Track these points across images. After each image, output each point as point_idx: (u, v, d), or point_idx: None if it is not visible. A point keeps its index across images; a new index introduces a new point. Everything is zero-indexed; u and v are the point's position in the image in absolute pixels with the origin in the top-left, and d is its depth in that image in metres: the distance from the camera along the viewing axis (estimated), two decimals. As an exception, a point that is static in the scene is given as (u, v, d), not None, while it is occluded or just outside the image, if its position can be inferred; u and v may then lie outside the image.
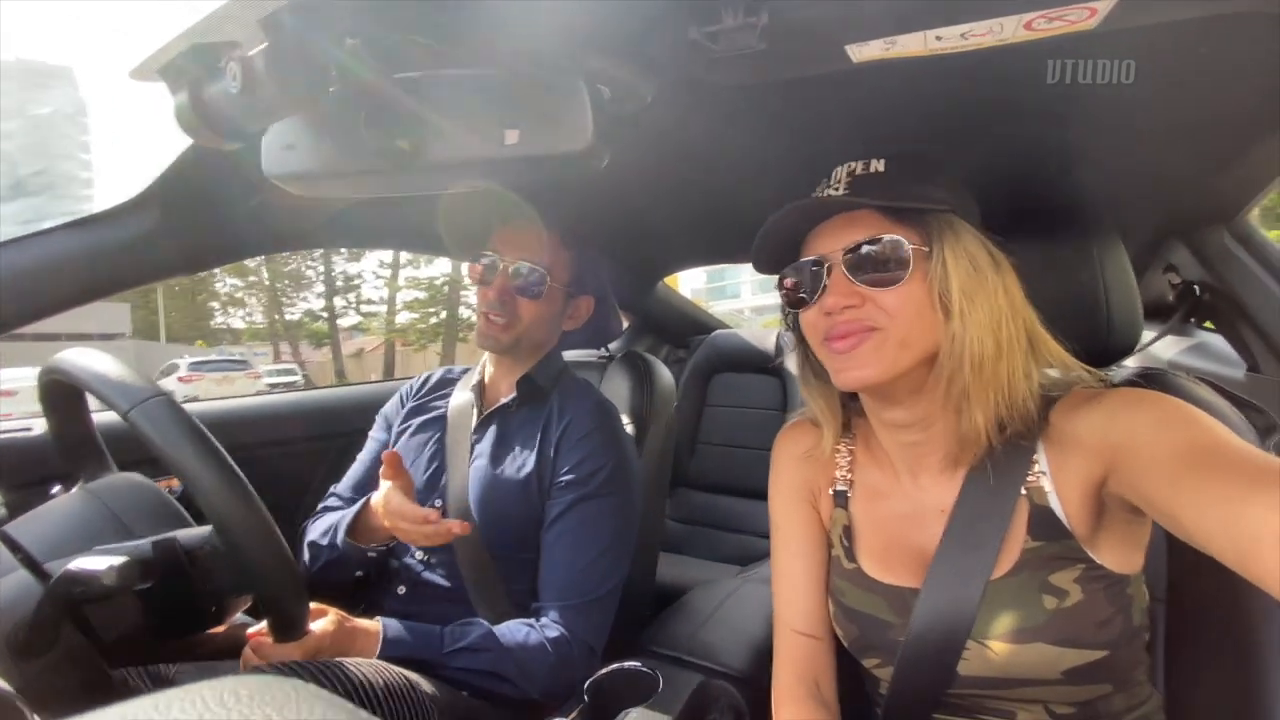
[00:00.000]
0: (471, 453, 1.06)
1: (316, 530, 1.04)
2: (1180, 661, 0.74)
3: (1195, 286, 1.15)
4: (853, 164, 0.67)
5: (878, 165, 0.66)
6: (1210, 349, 1.27)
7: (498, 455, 1.05)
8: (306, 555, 1.03)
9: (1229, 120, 0.76)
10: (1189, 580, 0.74)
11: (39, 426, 1.05)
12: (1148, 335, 1.00)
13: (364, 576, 1.07)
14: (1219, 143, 0.82)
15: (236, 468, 0.65)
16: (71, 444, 0.80)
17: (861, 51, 0.55)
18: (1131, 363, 0.88)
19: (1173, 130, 0.80)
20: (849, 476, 0.77)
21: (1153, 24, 0.51)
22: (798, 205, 0.66)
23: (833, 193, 0.67)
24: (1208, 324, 1.29)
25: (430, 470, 1.08)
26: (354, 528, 0.99)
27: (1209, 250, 1.07)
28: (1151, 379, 0.77)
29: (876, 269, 0.63)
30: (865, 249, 0.64)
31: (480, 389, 1.12)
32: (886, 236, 0.63)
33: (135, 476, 0.79)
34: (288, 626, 0.71)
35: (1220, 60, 0.62)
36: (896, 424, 0.70)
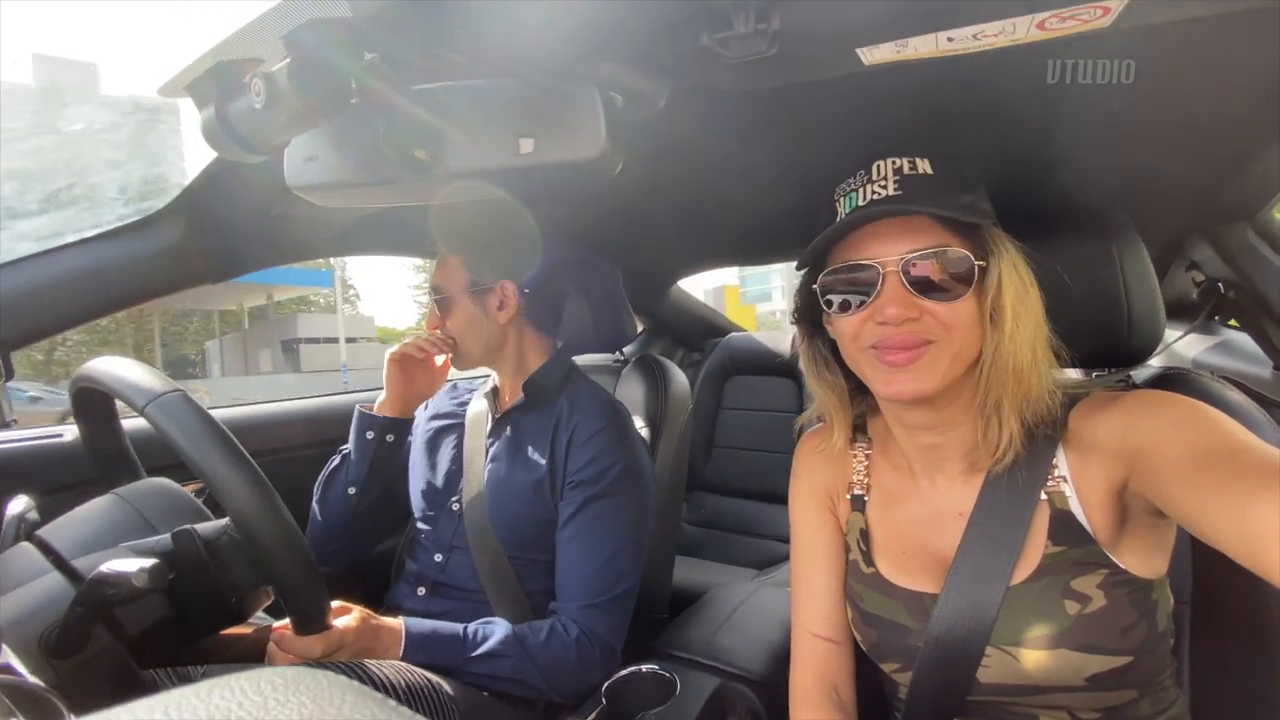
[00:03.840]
0: (486, 455, 1.08)
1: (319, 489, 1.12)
2: (1205, 665, 0.73)
3: (1219, 284, 1.13)
4: (896, 160, 0.63)
5: (925, 165, 0.63)
6: (1236, 347, 1.25)
7: (511, 457, 1.06)
8: (318, 511, 1.11)
9: (1246, 117, 0.75)
10: (1213, 583, 0.73)
11: (70, 433, 1.08)
12: (1171, 334, 0.98)
13: (359, 505, 1.10)
14: (1235, 140, 0.81)
15: (250, 458, 0.67)
16: (101, 449, 0.82)
17: (873, 54, 0.55)
18: (1155, 362, 0.87)
19: (1189, 128, 0.79)
20: (865, 480, 0.76)
21: (1163, 23, 0.51)
22: (878, 209, 0.62)
23: (880, 190, 0.62)
24: (1232, 322, 1.26)
25: (449, 471, 1.09)
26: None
27: (1232, 247, 1.06)
28: (1174, 380, 0.76)
29: (938, 282, 0.61)
30: (928, 260, 0.61)
31: (494, 395, 1.14)
32: (951, 250, 0.61)
33: (163, 481, 0.81)
34: (308, 619, 0.72)
35: (1234, 57, 0.62)
36: (917, 425, 0.69)
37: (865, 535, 0.74)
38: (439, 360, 1.12)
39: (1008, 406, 0.62)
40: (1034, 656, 0.61)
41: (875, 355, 0.64)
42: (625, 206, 1.24)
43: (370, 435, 1.09)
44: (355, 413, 1.12)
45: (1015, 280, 0.62)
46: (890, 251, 0.62)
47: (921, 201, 0.61)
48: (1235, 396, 0.70)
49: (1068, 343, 0.64)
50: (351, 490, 1.08)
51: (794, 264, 0.74)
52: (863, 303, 0.63)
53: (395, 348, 1.11)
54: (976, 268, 0.61)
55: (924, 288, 0.61)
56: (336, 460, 1.12)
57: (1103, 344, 0.74)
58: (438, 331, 1.10)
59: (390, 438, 1.10)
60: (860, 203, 0.63)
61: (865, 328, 0.64)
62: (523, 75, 0.54)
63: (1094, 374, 0.79)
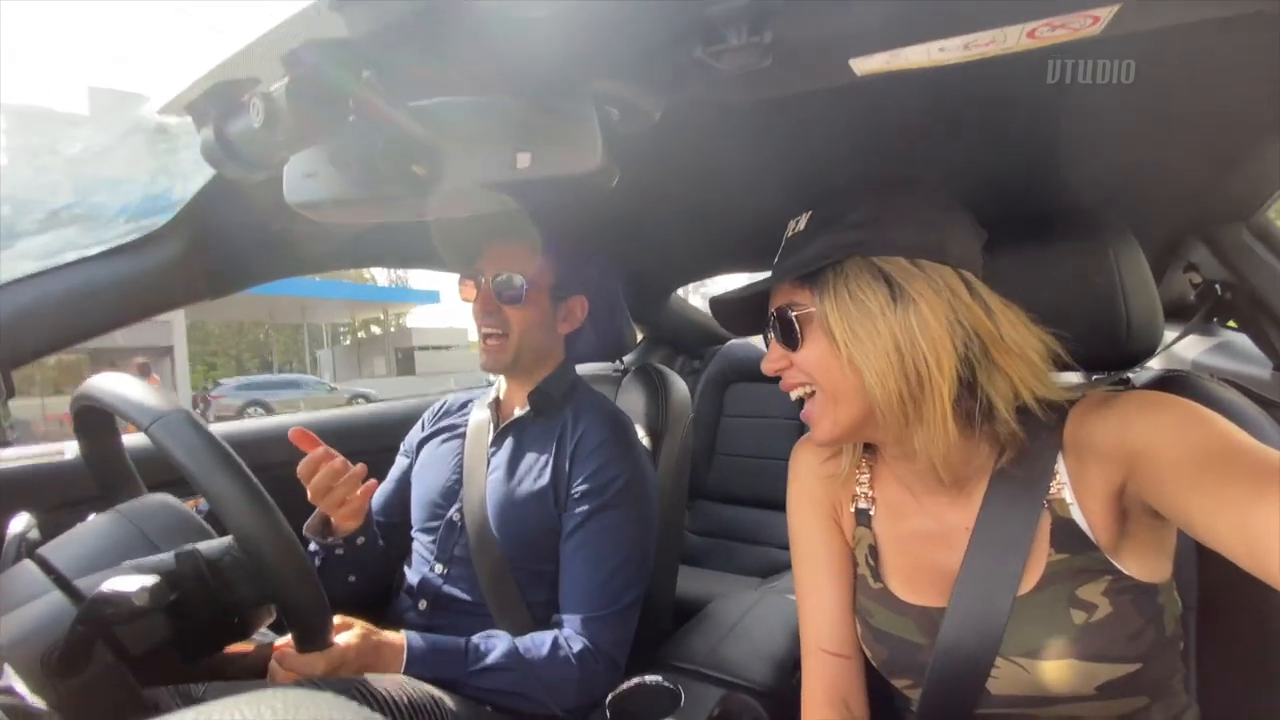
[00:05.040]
0: (488, 466, 1.08)
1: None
2: (1214, 669, 0.73)
3: (1216, 285, 1.13)
4: (794, 220, 0.69)
5: (800, 224, 0.68)
6: (1235, 348, 1.25)
7: (513, 467, 1.06)
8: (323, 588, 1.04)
9: (1239, 117, 0.75)
10: (1219, 588, 0.72)
11: (70, 451, 1.08)
12: (1169, 336, 0.99)
13: (359, 585, 1.07)
14: (1231, 140, 0.82)
15: (254, 477, 0.67)
16: (103, 467, 0.82)
17: (865, 64, 0.55)
18: (1154, 364, 0.87)
19: (1182, 129, 0.79)
20: (870, 494, 0.76)
21: (1141, 31, 0.51)
22: (721, 298, 0.74)
23: (778, 257, 0.70)
24: (1231, 323, 1.27)
25: (449, 482, 1.09)
26: (320, 526, 1.04)
27: (1228, 248, 1.06)
28: (1174, 382, 0.76)
29: (784, 334, 0.67)
30: (775, 318, 0.68)
31: (496, 405, 1.14)
32: (781, 305, 0.67)
33: (165, 497, 0.81)
34: (311, 636, 0.72)
35: (1228, 58, 0.62)
36: (894, 456, 0.72)
37: (874, 551, 0.73)
38: (337, 464, 0.96)
39: (916, 439, 0.64)
40: (1043, 667, 0.60)
41: None
42: (623, 215, 1.25)
43: (341, 552, 1.03)
44: (316, 545, 1.03)
45: (842, 319, 0.62)
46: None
47: (788, 260, 0.67)
48: (1235, 398, 0.70)
49: (1065, 345, 0.64)
50: (352, 578, 1.06)
51: None
52: None
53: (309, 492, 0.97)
54: (802, 316, 0.65)
55: (781, 340, 0.68)
56: (317, 556, 1.04)
57: (1101, 347, 0.74)
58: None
59: (361, 539, 1.04)
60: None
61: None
62: (519, 91, 0.54)
63: (1093, 377, 0.79)
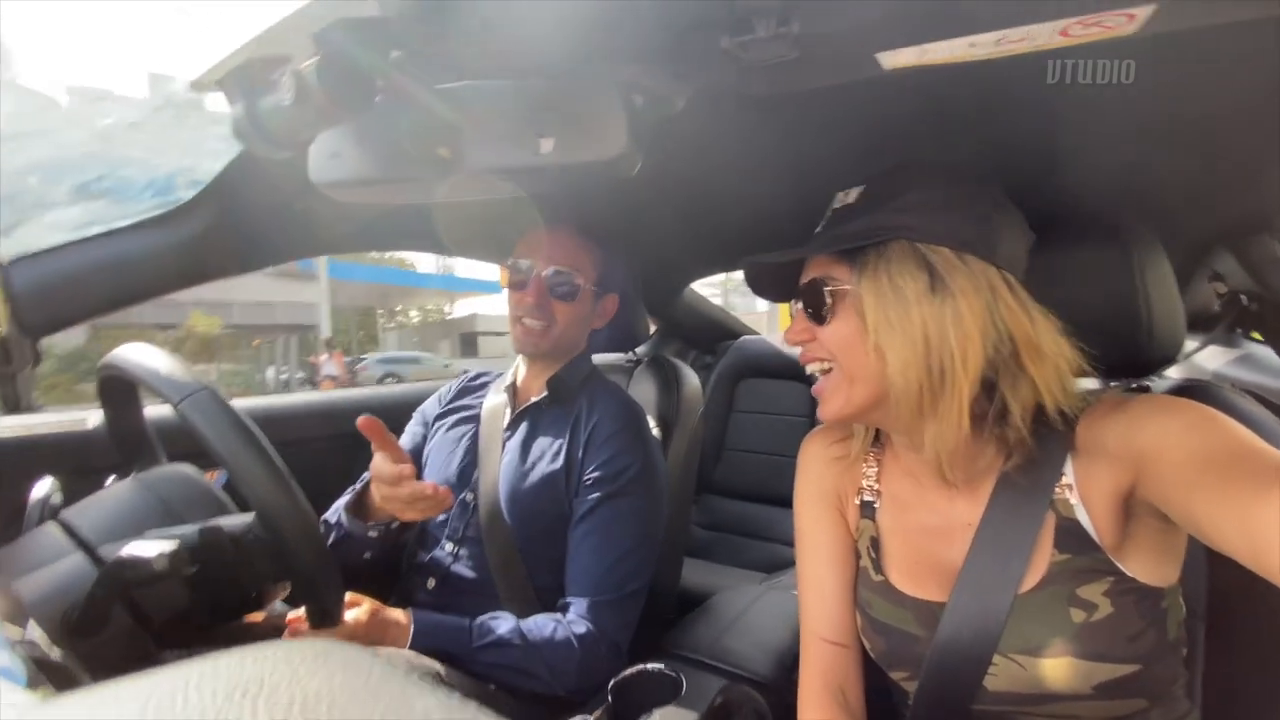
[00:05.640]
0: (503, 449, 1.09)
1: (331, 511, 1.05)
2: (1219, 677, 0.72)
3: (1241, 295, 1.11)
4: (844, 191, 0.68)
5: (850, 196, 0.66)
6: (1258, 360, 1.23)
7: (527, 452, 1.07)
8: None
9: (1267, 125, 0.74)
10: (1229, 596, 0.72)
11: (94, 419, 1.11)
12: (1191, 345, 0.97)
13: (376, 560, 1.04)
14: (1258, 148, 0.80)
15: (278, 458, 0.68)
16: (125, 436, 0.84)
17: (894, 59, 0.55)
18: (1174, 373, 0.86)
19: (1211, 135, 0.78)
20: (876, 487, 0.76)
21: (1172, 30, 0.50)
22: (753, 260, 0.72)
23: (821, 226, 0.69)
24: (1255, 334, 1.25)
25: (463, 465, 1.10)
26: (357, 505, 0.99)
27: (1255, 258, 1.04)
28: (1194, 391, 0.75)
29: (813, 307, 0.66)
30: (806, 289, 0.67)
31: (513, 390, 1.15)
32: (824, 279, 0.65)
33: (185, 467, 0.82)
34: (324, 614, 0.73)
35: (1255, 64, 0.61)
36: (903, 446, 0.71)
37: (876, 543, 0.74)
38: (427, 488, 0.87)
39: (925, 431, 0.63)
40: (1041, 665, 0.61)
41: None
42: (639, 207, 1.25)
43: (375, 534, 0.99)
44: (350, 530, 0.98)
45: (877, 302, 0.61)
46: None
47: (835, 232, 0.66)
48: (1253, 408, 0.69)
49: (1085, 351, 0.63)
50: (368, 555, 1.02)
51: None
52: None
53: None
54: (836, 291, 0.64)
55: (809, 313, 0.67)
56: (337, 529, 1.00)
57: (1121, 352, 0.73)
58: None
59: (395, 524, 1.00)
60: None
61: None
62: (545, 75, 0.55)
63: (1111, 384, 0.78)
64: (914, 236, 0.61)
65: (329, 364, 13.69)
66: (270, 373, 17.86)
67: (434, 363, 19.79)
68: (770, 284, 0.76)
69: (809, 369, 0.69)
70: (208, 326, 17.37)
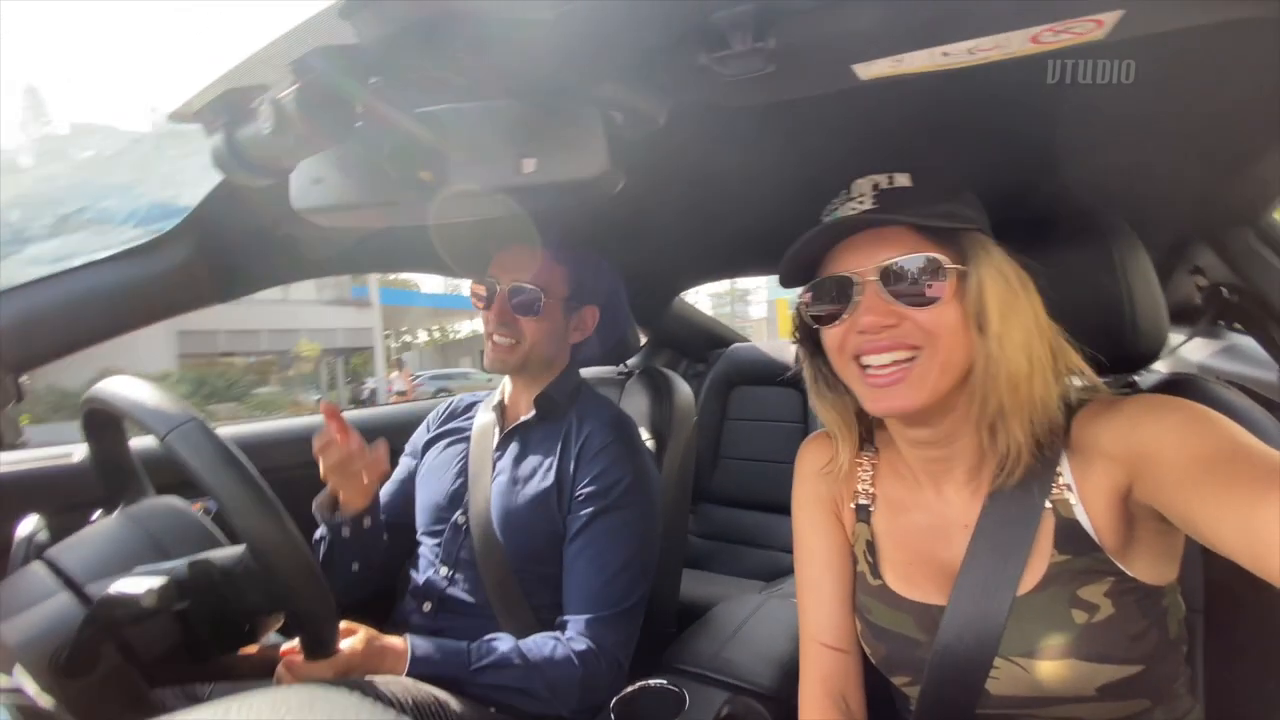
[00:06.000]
0: (493, 469, 1.08)
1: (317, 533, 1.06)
2: (1220, 672, 0.72)
3: (1222, 288, 1.13)
4: (875, 177, 0.66)
5: (903, 180, 0.65)
6: (1242, 351, 1.24)
7: (518, 470, 1.06)
8: (329, 584, 1.03)
9: (1246, 120, 0.75)
10: (1226, 591, 0.72)
11: (79, 453, 1.09)
12: (1175, 339, 0.98)
13: (366, 577, 1.07)
14: (1238, 143, 0.82)
15: (269, 489, 0.67)
16: (111, 469, 0.83)
17: (869, 69, 0.56)
18: (1160, 367, 0.87)
19: (1190, 131, 0.79)
20: (871, 490, 0.76)
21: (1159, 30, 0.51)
22: (841, 220, 0.64)
23: (857, 206, 0.64)
24: (1238, 325, 1.26)
25: (455, 486, 1.09)
26: (331, 505, 1.04)
27: (1234, 251, 1.06)
28: (1180, 385, 0.76)
29: (916, 288, 0.62)
30: (901, 266, 0.62)
31: (501, 409, 1.14)
32: (928, 256, 0.61)
33: (173, 499, 0.81)
34: (319, 645, 0.72)
35: (1234, 61, 0.62)
36: (920, 440, 0.69)
37: (872, 547, 0.74)
38: (354, 444, 0.95)
39: (1011, 416, 0.62)
40: (1043, 667, 0.60)
41: (860, 374, 0.65)
42: (627, 219, 1.25)
43: (347, 532, 1.02)
44: (322, 523, 1.03)
45: (999, 285, 0.61)
46: (867, 262, 0.63)
47: (897, 213, 0.62)
48: (1241, 401, 0.70)
49: (1070, 347, 0.64)
50: (356, 566, 1.05)
51: None
52: (844, 314, 0.65)
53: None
54: (955, 273, 0.62)
55: (902, 295, 0.62)
56: (323, 541, 1.03)
57: (1106, 348, 0.73)
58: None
59: (367, 521, 1.04)
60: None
61: (848, 338, 0.65)
62: (524, 96, 0.55)
63: (1101, 380, 0.79)
64: (986, 233, 0.64)
65: (398, 380, 16.12)
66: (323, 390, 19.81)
67: (479, 377, 21.24)
68: (796, 268, 0.70)
69: (880, 359, 0.63)
70: (310, 351, 19.90)
